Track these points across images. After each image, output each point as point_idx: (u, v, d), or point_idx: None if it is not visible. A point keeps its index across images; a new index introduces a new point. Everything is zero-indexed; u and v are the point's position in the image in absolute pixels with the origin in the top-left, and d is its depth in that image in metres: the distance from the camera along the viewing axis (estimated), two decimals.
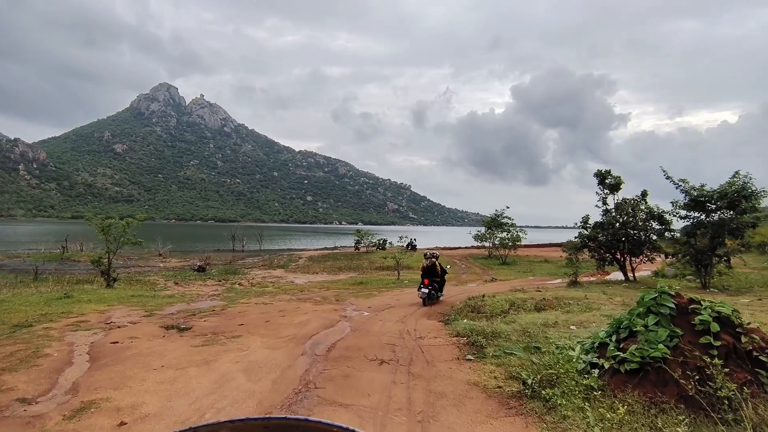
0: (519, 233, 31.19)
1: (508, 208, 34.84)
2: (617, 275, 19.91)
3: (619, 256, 17.70)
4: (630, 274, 17.19)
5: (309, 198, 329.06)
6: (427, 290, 12.45)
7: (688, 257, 14.82)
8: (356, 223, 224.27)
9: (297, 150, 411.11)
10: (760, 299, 10.76)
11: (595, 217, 18.32)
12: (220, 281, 23.69)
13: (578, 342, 5.47)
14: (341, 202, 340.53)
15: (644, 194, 17.14)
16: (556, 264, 29.12)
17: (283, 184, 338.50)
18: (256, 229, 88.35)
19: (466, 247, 48.14)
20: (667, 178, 14.83)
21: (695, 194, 14.17)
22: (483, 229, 35.46)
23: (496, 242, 31.77)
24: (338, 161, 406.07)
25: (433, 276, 13.14)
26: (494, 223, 34.33)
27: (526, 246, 35.49)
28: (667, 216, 15.85)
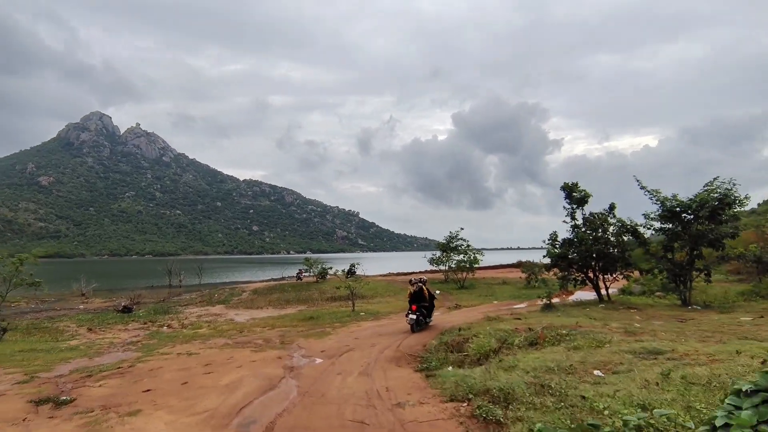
0: (476, 255, 29.92)
1: (462, 229, 33.86)
2: (584, 295, 18.94)
3: (591, 275, 16.57)
4: (603, 293, 16.10)
5: (255, 228, 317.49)
6: (414, 316, 12.35)
7: (665, 272, 13.95)
8: (305, 252, 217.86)
9: (241, 179, 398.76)
10: (761, 316, 9.76)
11: (563, 233, 17.15)
12: (145, 323, 20.25)
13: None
14: (289, 231, 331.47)
15: (612, 207, 16.13)
16: (516, 286, 28.13)
17: (227, 214, 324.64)
18: (196, 262, 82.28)
19: (420, 272, 46.73)
20: (642, 188, 14.06)
21: (670, 204, 13.38)
22: (438, 253, 34.03)
23: (453, 265, 30.28)
24: (284, 189, 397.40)
25: (421, 301, 12.97)
26: (449, 245, 33.06)
27: (481, 268, 34.37)
28: (640, 229, 14.95)
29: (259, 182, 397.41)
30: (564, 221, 16.81)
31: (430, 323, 13.28)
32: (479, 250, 29.82)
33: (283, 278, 49.57)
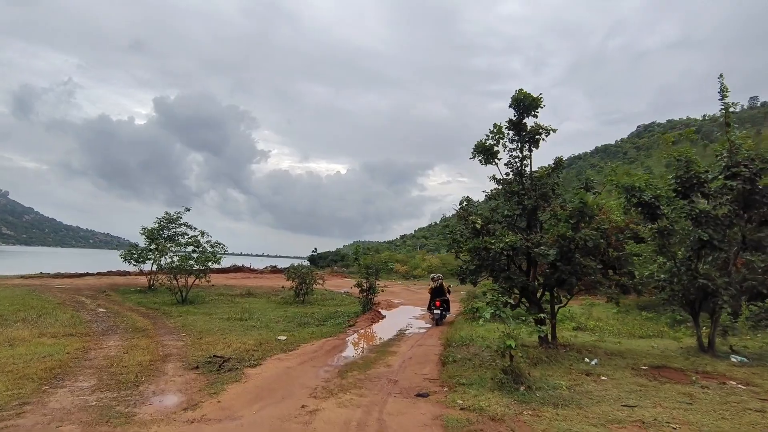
0: (216, 249, 18.63)
1: (188, 210, 22.18)
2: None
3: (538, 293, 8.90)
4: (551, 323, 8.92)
5: None
6: (439, 311, 13.29)
7: (678, 293, 8.29)
8: None
9: None
10: None
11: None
12: None
13: None
14: None
15: (559, 163, 8.90)
16: (273, 300, 19.07)
17: None
18: None
19: (101, 274, 30.82)
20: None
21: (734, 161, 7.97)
22: (142, 243, 21.01)
23: (167, 263, 17.98)
24: None
25: (442, 296, 13.76)
26: (160, 233, 20.85)
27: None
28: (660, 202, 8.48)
29: None
30: (493, 177, 9.05)
31: (448, 317, 13.92)
32: (219, 243, 18.77)
33: None
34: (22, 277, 26.99)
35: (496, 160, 8.80)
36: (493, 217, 8.44)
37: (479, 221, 8.00)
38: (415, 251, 77.60)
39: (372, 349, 9.38)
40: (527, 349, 8.10)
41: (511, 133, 8.43)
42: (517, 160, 8.54)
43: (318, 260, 60.38)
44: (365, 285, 14.75)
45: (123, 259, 21.08)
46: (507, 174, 8.79)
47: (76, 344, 9.40)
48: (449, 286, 15.11)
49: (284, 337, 10.16)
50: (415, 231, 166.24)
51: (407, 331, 12.28)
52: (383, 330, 12.38)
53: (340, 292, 21.98)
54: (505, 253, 7.36)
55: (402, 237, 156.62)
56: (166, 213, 21.54)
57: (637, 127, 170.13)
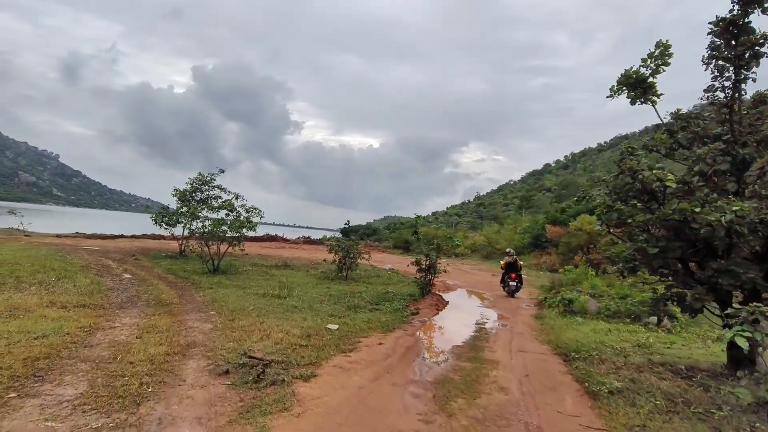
0: (251, 215, 16.62)
1: (222, 171, 20.34)
2: None
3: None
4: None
5: None
6: (514, 284, 14.07)
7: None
8: None
9: None
10: None
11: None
12: None
13: None
14: None
15: None
16: (311, 274, 17.12)
17: None
18: None
19: (135, 237, 29.96)
20: None
21: None
22: (173, 206, 19.43)
23: (199, 229, 16.24)
24: None
25: (516, 270, 14.43)
26: (192, 195, 19.11)
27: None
28: None
29: None
30: (710, 91, 5.73)
31: (521, 289, 14.49)
32: (255, 209, 16.68)
33: None
34: (57, 236, 26.38)
35: (654, 97, 6.10)
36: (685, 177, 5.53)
37: (670, 179, 5.19)
38: (451, 228, 74.82)
39: (460, 354, 7.09)
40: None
41: (719, 41, 5.54)
42: (727, 84, 5.65)
43: (350, 233, 58.76)
44: (425, 263, 12.39)
45: (153, 222, 19.58)
46: (677, 113, 6.03)
47: (84, 320, 7.61)
48: (521, 263, 15.58)
49: (336, 326, 8.04)
50: (447, 208, 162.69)
51: (486, 325, 9.91)
52: (455, 321, 10.09)
53: (384, 267, 19.83)
54: (734, 229, 4.47)
55: (434, 213, 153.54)
56: (200, 174, 19.74)
57: (693, 106, 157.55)
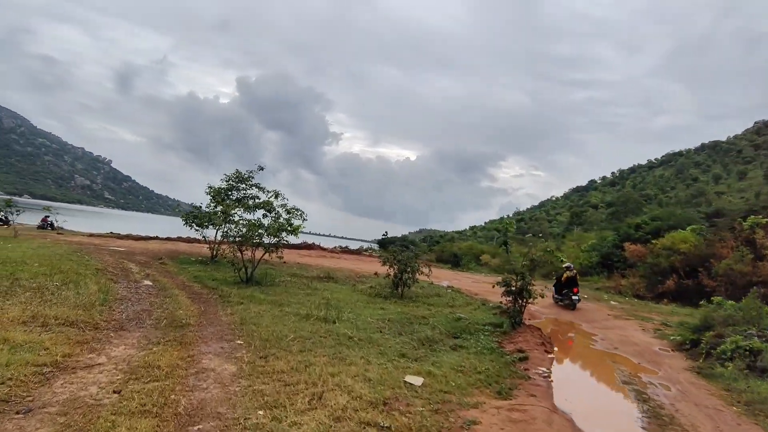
0: (293, 217, 14.22)
1: (262, 169, 18.10)
2: None
3: None
4: None
5: None
6: (577, 297, 14.49)
7: None
8: (21, 195, 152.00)
9: None
10: None
11: None
12: None
13: None
14: (1, 164, 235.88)
15: None
16: (360, 289, 14.45)
17: None
18: None
19: (169, 239, 28.33)
20: None
21: None
22: (204, 206, 17.20)
23: (234, 232, 13.66)
24: (3, 109, 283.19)
25: (577, 285, 15.14)
26: (227, 193, 16.78)
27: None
28: None
29: None
30: None
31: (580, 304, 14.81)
32: (297, 210, 14.05)
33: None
34: (90, 235, 25.13)
35: None
36: None
37: None
38: (493, 243, 70.71)
39: None
40: None
41: None
42: None
43: (387, 245, 55.87)
44: (515, 285, 9.24)
45: (184, 223, 17.51)
46: None
47: (57, 349, 5.29)
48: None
49: (419, 380, 5.28)
50: (485, 223, 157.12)
51: (648, 391, 6.32)
52: (582, 376, 7.03)
53: (442, 285, 16.86)
54: None
55: (472, 228, 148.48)
56: (237, 171, 17.59)
57: (755, 122, 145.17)
